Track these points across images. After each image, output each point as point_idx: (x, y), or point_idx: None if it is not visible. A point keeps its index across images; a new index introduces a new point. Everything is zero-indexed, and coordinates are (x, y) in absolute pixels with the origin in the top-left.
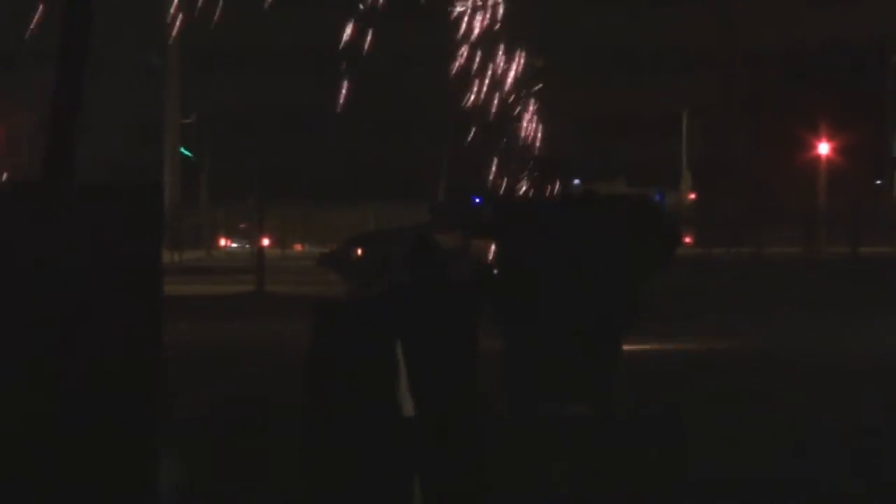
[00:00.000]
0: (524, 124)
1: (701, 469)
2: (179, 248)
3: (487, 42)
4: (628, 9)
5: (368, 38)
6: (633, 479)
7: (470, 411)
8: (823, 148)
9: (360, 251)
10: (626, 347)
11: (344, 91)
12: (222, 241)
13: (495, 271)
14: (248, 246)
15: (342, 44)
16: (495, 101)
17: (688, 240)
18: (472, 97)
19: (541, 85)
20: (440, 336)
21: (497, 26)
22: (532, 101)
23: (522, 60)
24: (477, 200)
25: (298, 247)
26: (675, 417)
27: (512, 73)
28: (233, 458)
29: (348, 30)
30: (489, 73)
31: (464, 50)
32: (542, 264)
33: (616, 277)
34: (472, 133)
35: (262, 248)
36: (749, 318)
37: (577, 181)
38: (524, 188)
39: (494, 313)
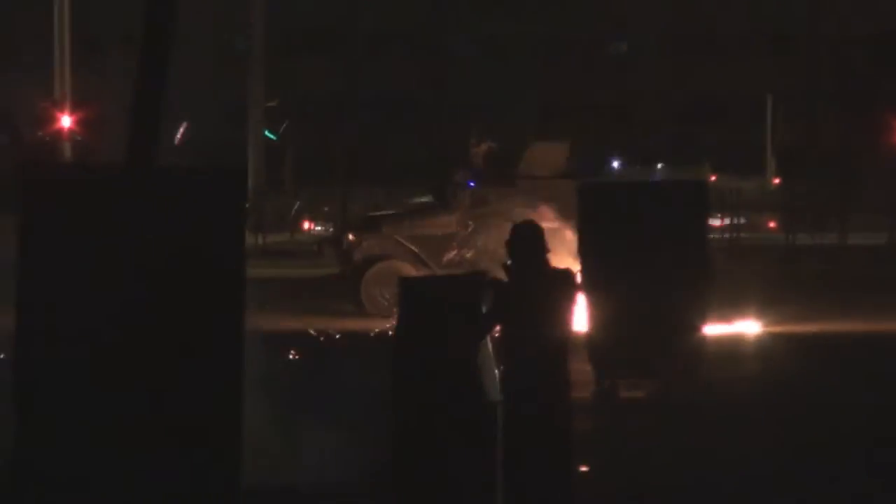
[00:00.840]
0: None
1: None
2: (263, 232)
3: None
4: None
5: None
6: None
7: (563, 392)
8: None
9: (351, 236)
10: (710, 331)
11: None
12: (306, 225)
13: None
14: (331, 229)
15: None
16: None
17: (772, 225)
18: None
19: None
20: (537, 315)
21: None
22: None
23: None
24: (470, 184)
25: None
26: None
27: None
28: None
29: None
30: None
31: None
32: (628, 250)
33: (691, 262)
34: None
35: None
36: (836, 302)
37: (660, 165)
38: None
39: (585, 293)
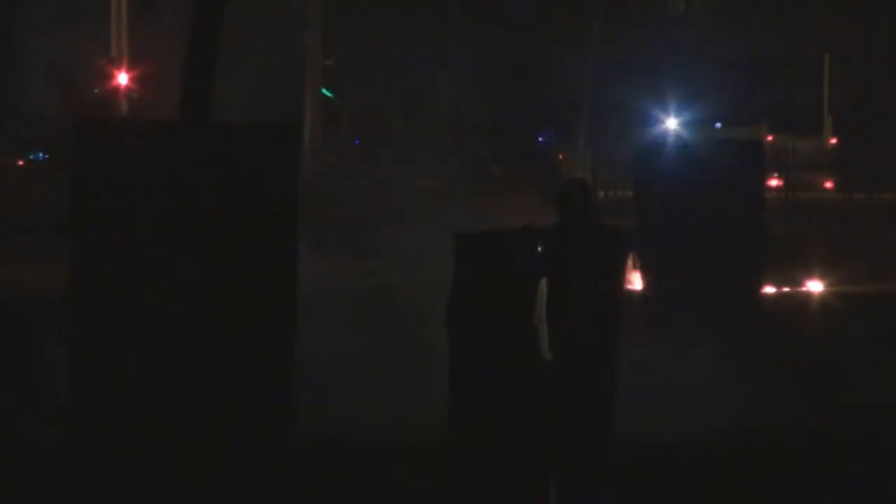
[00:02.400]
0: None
1: None
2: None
3: None
4: None
5: None
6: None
7: (609, 354)
8: None
9: None
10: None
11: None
12: None
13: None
14: None
15: None
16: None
17: (829, 185)
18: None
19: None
20: (590, 273)
21: None
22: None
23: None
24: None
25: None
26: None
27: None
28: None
29: None
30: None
31: None
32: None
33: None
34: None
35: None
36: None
37: (718, 125)
38: None
39: (642, 261)
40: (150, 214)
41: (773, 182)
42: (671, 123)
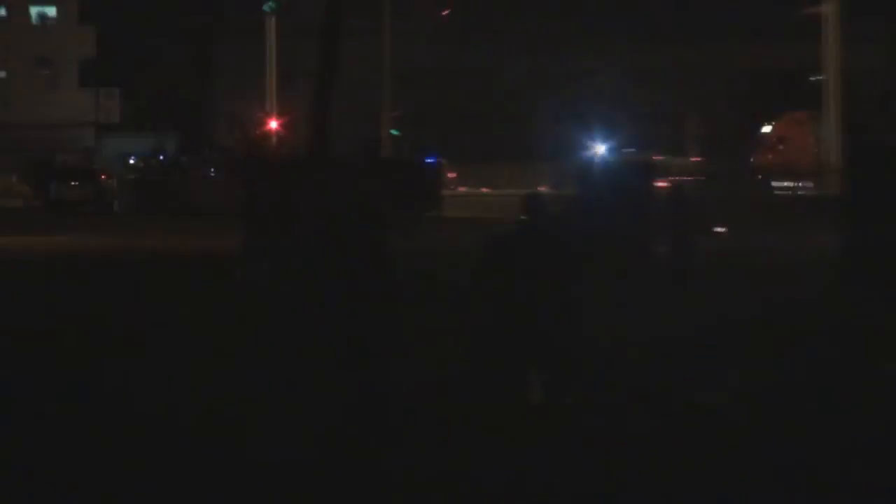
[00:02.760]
0: None
1: None
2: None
3: None
4: None
5: None
6: None
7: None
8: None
9: None
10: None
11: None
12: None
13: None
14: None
15: None
16: None
17: None
18: None
19: None
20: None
21: None
22: None
23: None
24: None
25: (484, 189)
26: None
27: None
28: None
29: None
30: None
31: None
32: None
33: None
34: None
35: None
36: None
37: (631, 149)
38: None
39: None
40: (286, 212)
41: (662, 184)
42: (600, 149)
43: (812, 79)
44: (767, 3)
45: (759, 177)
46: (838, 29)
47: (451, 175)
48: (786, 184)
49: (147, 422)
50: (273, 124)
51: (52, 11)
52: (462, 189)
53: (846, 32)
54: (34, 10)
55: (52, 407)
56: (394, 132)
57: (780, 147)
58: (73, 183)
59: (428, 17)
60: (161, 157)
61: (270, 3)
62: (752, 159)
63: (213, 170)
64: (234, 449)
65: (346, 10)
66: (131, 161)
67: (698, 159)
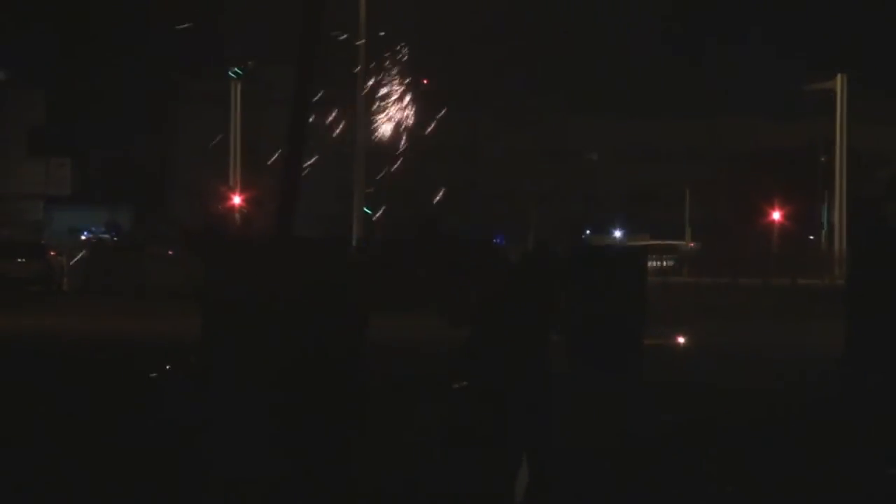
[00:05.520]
0: None
1: None
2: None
3: None
4: None
5: None
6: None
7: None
8: (776, 215)
9: None
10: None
11: None
12: None
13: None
14: None
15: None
16: None
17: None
18: None
19: None
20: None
21: None
22: None
23: None
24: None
25: None
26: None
27: None
28: None
29: None
30: None
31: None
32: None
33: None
34: None
35: None
36: (729, 323)
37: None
38: None
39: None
40: (251, 289)
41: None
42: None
43: (823, 159)
44: (772, 80)
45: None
46: (846, 107)
47: None
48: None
49: None
50: (236, 199)
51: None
52: None
53: (856, 112)
54: None
55: None
56: (366, 210)
57: None
58: (19, 260)
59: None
60: (113, 234)
61: (236, 69)
62: None
63: (170, 250)
64: None
65: (315, 80)
66: (83, 237)
67: (693, 244)
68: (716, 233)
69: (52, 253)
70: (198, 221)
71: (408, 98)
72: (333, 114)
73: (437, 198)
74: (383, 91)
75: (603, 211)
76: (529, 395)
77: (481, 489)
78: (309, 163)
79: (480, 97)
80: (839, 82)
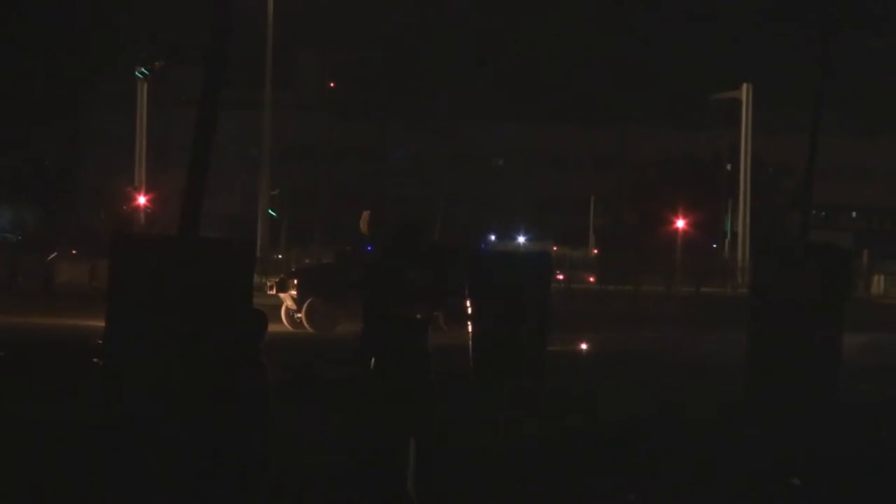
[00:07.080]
0: None
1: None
2: (267, 275)
3: None
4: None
5: None
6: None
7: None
8: (680, 223)
9: (295, 281)
10: (551, 348)
11: None
12: None
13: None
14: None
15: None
16: None
17: (592, 279)
18: None
19: None
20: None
21: None
22: None
23: None
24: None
25: None
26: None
27: None
28: None
29: None
30: None
31: None
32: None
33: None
34: None
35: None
36: (630, 329)
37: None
38: None
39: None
40: (154, 290)
41: (560, 276)
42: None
43: (728, 167)
44: (683, 89)
45: None
46: (751, 116)
47: None
48: None
49: None
50: (142, 199)
51: None
52: None
53: (763, 123)
54: None
55: None
56: (271, 213)
57: None
58: None
59: (311, 92)
60: (18, 234)
61: (142, 69)
62: None
63: (74, 249)
64: None
65: (222, 80)
66: None
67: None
68: (620, 240)
69: None
70: (104, 221)
71: None
72: (241, 116)
73: (339, 201)
74: None
75: (507, 217)
76: (406, 378)
77: (379, 479)
78: (216, 164)
79: (388, 102)
80: (745, 92)
